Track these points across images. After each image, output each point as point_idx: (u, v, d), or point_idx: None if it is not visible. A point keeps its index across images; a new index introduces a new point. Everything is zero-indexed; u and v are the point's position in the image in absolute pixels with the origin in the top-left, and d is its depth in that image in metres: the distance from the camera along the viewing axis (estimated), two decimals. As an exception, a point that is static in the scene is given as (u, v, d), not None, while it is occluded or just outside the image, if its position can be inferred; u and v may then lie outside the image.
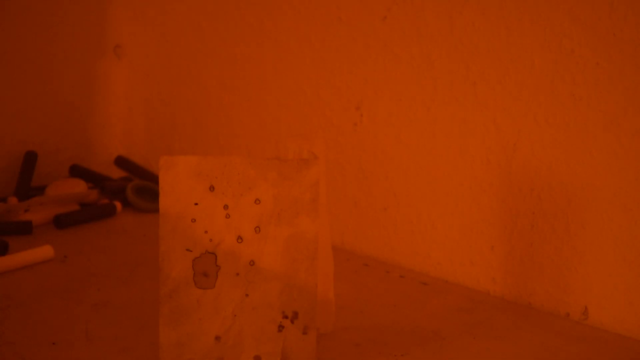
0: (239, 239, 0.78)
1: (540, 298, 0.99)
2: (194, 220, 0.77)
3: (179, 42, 1.41)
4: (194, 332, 0.78)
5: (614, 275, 0.93)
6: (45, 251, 1.08)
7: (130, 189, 1.33)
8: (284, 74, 1.24)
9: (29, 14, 1.35)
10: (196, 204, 0.77)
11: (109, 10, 1.45)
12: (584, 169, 0.94)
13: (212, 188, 0.77)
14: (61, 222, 1.22)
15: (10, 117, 1.35)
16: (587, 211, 0.95)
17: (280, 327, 0.79)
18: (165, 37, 1.43)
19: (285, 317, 0.79)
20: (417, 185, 1.10)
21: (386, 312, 0.96)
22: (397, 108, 1.11)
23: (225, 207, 0.77)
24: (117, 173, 1.48)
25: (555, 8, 0.95)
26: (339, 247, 1.19)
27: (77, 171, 1.41)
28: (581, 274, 0.96)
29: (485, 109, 1.02)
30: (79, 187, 1.33)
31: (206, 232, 0.77)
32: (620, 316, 0.93)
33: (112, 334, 0.88)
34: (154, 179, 1.41)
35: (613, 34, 0.91)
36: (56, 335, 0.87)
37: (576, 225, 0.96)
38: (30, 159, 1.35)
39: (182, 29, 1.40)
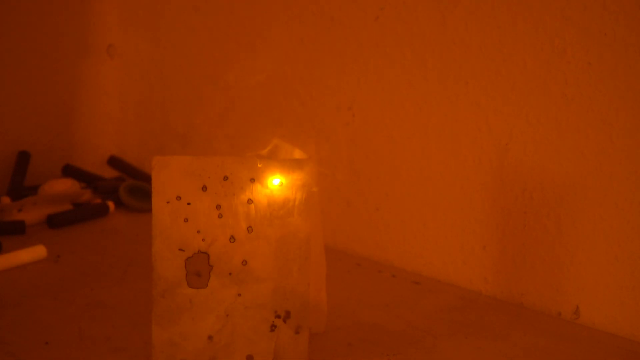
0: (232, 238, 0.78)
1: (532, 297, 1.00)
2: (186, 220, 0.77)
3: (171, 42, 1.40)
4: (186, 332, 0.78)
5: (606, 274, 0.93)
6: (38, 251, 1.08)
7: (123, 188, 1.33)
8: (277, 74, 1.24)
9: (20, 13, 1.35)
10: (189, 203, 0.77)
11: (101, 10, 1.45)
12: (575, 169, 0.95)
13: (204, 188, 0.77)
14: (54, 221, 1.22)
15: (2, 117, 1.35)
16: (579, 211, 0.95)
17: (273, 327, 0.79)
18: (158, 37, 1.42)
19: (278, 316, 0.79)
20: (409, 185, 1.10)
21: (378, 311, 0.96)
22: (389, 108, 1.11)
23: (218, 207, 0.77)
24: (110, 173, 1.47)
25: (547, 8, 0.95)
26: (331, 247, 1.19)
27: (70, 171, 1.41)
28: (573, 274, 0.96)
29: (477, 109, 1.02)
30: (72, 186, 1.33)
31: (199, 231, 0.77)
32: (612, 315, 0.93)
33: (105, 333, 0.88)
34: (146, 178, 1.40)
35: (605, 33, 0.91)
36: (49, 335, 0.87)
37: (568, 225, 0.96)
38: (23, 159, 1.34)
39: (174, 29, 1.40)
